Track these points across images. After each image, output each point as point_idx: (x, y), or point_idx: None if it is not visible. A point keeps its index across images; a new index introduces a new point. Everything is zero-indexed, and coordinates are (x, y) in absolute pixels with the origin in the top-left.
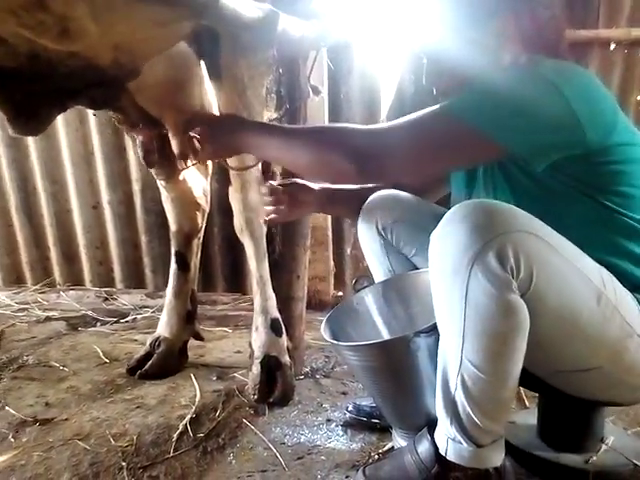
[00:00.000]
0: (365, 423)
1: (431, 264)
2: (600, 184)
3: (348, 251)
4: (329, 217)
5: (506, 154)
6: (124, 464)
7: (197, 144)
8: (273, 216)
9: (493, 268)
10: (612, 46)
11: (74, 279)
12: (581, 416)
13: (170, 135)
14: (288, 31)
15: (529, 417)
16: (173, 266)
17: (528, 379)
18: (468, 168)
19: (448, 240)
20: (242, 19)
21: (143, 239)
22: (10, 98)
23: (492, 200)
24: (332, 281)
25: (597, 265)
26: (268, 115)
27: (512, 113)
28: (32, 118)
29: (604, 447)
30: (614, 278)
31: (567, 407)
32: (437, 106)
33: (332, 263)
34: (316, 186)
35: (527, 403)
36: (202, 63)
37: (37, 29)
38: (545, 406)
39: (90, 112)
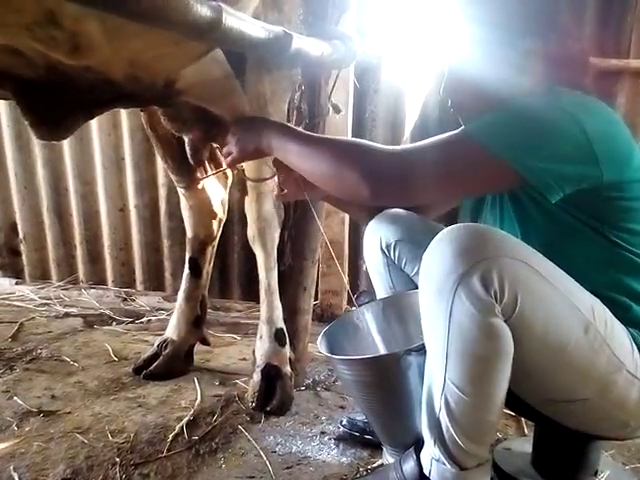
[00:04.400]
0: (358, 438)
1: (420, 284)
2: (610, 219)
3: (364, 267)
4: (346, 232)
5: (521, 184)
6: (118, 460)
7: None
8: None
9: (477, 291)
10: None
11: (97, 278)
12: (576, 448)
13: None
14: (305, 51)
15: (525, 445)
16: (186, 271)
17: (522, 407)
18: (482, 195)
19: (435, 261)
20: (248, 40)
21: (165, 243)
22: (33, 107)
23: (482, 225)
24: (345, 296)
25: (589, 296)
26: None
27: (532, 143)
28: (56, 126)
29: None
30: (607, 310)
31: (562, 437)
32: (458, 130)
33: (347, 278)
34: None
35: (526, 431)
36: None
37: (49, 44)
38: (540, 435)
39: (123, 117)
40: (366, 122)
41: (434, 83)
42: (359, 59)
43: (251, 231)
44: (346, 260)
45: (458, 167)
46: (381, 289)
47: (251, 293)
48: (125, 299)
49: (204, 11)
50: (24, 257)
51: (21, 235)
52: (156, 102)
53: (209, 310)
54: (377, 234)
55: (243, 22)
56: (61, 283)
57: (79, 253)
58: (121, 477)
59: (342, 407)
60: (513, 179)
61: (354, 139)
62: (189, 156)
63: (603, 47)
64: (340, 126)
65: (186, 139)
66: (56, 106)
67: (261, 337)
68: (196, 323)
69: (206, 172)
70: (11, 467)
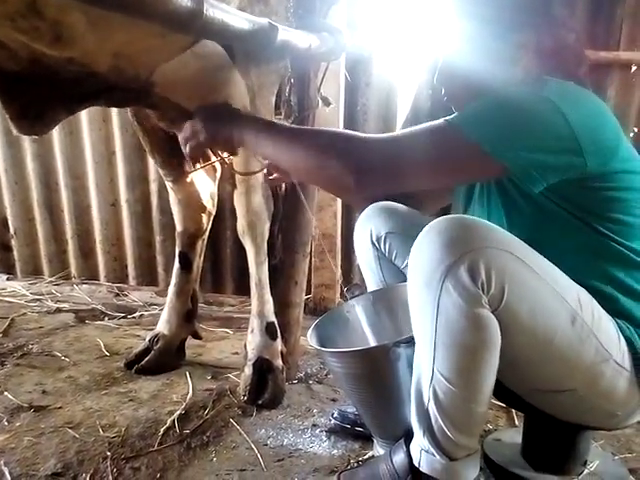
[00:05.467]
0: (349, 430)
1: (408, 276)
2: (596, 209)
3: (356, 260)
4: (339, 225)
5: (503, 173)
6: (109, 454)
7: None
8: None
9: (464, 282)
10: (633, 68)
11: (89, 273)
12: (565, 438)
13: None
14: (292, 43)
15: (515, 435)
16: (176, 265)
17: (512, 398)
18: (466, 184)
19: (423, 253)
20: (232, 31)
21: (157, 238)
22: (15, 100)
23: (469, 216)
24: (338, 289)
25: (576, 286)
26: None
27: (514, 132)
28: (37, 120)
29: (586, 471)
30: (594, 301)
31: (551, 428)
32: (442, 119)
33: (339, 271)
34: None
35: (516, 422)
36: None
37: (31, 34)
38: (530, 425)
39: (114, 111)
40: (358, 115)
41: (425, 76)
42: (350, 52)
43: (240, 225)
44: (339, 253)
45: (443, 155)
46: (372, 282)
47: (244, 287)
48: (117, 294)
49: (185, 1)
50: (15, 252)
51: (12, 230)
52: (135, 100)
53: (202, 304)
54: (367, 227)
55: (226, 13)
56: (53, 278)
57: (71, 248)
58: (112, 471)
59: (334, 400)
60: (496, 169)
61: (333, 129)
62: (185, 153)
63: (593, 40)
64: (331, 119)
65: (179, 137)
66: (39, 99)
67: (252, 331)
68: (187, 317)
69: (194, 166)
70: (1, 462)
